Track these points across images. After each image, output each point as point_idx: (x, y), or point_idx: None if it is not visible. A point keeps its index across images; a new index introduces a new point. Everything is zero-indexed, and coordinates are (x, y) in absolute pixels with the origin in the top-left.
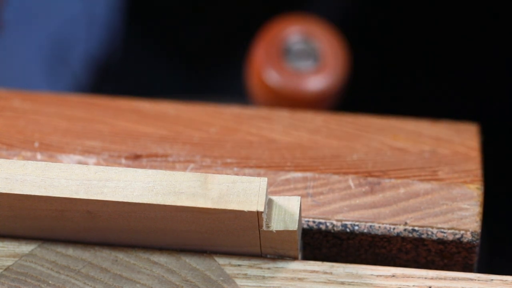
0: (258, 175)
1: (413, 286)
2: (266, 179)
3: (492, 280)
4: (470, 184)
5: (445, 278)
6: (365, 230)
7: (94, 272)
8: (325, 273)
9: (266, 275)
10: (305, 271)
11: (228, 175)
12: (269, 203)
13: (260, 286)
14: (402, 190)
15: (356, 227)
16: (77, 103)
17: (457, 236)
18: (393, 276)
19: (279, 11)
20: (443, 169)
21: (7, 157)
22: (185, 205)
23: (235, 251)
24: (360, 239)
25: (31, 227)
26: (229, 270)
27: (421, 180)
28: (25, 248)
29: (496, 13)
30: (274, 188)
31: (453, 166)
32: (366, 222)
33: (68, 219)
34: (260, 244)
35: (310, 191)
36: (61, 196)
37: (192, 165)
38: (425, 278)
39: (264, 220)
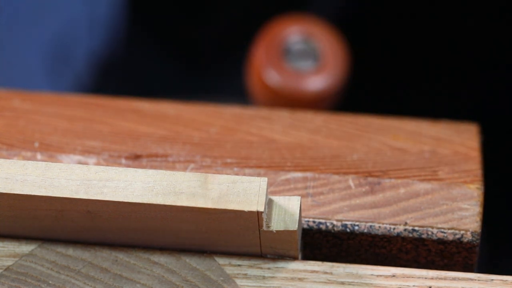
0: (258, 175)
1: (413, 286)
2: (266, 179)
3: (492, 280)
4: (470, 184)
5: (445, 278)
6: (365, 230)
7: (94, 272)
8: (325, 273)
9: (266, 275)
10: (305, 271)
11: (228, 175)
12: (269, 203)
13: (260, 286)
14: (402, 190)
15: (356, 227)
16: (77, 103)
17: (457, 236)
18: (393, 276)
19: (279, 11)
20: (443, 169)
21: (7, 157)
22: (185, 205)
23: (235, 251)
24: (360, 239)
25: (31, 227)
26: (229, 270)
27: (421, 180)
28: (25, 248)
29: (496, 13)
30: (274, 188)
31: (453, 166)
32: (366, 222)
33: (68, 219)
34: (260, 244)
35: (310, 191)
36: (61, 196)
37: (192, 165)
38: (425, 278)
39: (264, 220)
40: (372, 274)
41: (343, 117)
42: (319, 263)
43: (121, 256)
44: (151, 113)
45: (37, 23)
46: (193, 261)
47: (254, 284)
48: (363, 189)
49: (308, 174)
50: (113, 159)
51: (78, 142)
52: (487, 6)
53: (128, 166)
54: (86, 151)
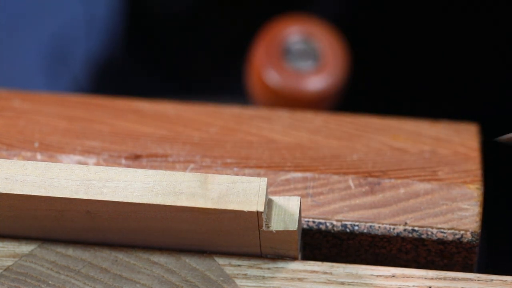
0: (258, 175)
1: (413, 286)
2: (266, 179)
3: (492, 280)
4: (470, 184)
5: (445, 278)
6: (365, 230)
7: (94, 272)
8: (325, 273)
9: (266, 275)
10: (305, 271)
11: (228, 175)
12: (269, 203)
13: (260, 286)
14: (402, 190)
15: (356, 227)
16: (77, 103)
17: (457, 236)
18: (393, 276)
19: (279, 11)
20: (443, 169)
21: (7, 157)
22: (185, 205)
23: (235, 251)
24: (360, 239)
25: (31, 227)
26: (229, 270)
27: (421, 180)
28: (25, 248)
29: (496, 13)
30: (274, 188)
31: (453, 166)
32: (366, 222)
33: (68, 219)
34: (260, 244)
35: (310, 191)
36: (61, 196)
37: (192, 165)
38: (425, 278)
39: (264, 220)
40: (372, 274)
41: (343, 117)
42: (319, 263)
43: (121, 256)
44: (151, 113)
45: (37, 24)
46: (193, 261)
47: (254, 284)
48: (363, 189)
49: (308, 174)
50: (113, 159)
51: (78, 142)
52: (487, 6)
53: (128, 166)
54: (86, 151)
